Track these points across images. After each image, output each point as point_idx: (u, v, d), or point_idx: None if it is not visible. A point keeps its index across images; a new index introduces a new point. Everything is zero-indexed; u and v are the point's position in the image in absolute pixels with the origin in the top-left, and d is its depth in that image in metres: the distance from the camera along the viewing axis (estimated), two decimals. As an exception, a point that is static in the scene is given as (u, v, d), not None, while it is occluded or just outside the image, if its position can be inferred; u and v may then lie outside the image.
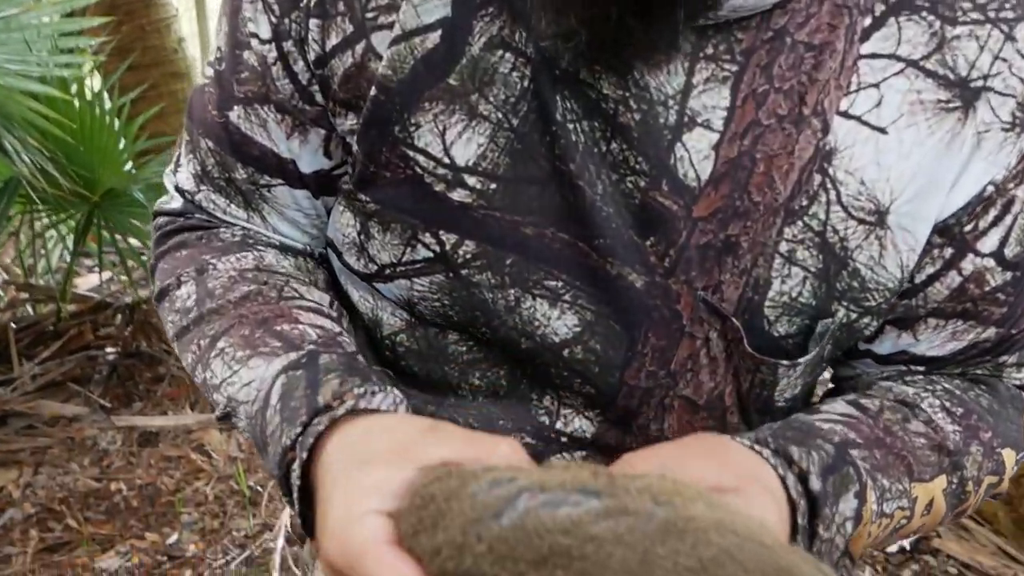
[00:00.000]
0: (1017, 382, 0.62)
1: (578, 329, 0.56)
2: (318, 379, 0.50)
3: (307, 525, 0.49)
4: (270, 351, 0.55)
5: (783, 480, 0.47)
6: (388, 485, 0.41)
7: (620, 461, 0.46)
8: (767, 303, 0.55)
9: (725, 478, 0.44)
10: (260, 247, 0.64)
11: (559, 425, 0.60)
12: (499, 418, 0.61)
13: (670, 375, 0.57)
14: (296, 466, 0.47)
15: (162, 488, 2.32)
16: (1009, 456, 0.60)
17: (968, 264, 0.56)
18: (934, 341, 0.60)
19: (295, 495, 0.48)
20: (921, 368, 0.62)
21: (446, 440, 0.44)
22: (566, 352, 0.57)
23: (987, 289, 0.56)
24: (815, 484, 0.48)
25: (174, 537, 2.16)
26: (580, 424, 0.60)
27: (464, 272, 0.56)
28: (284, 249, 0.66)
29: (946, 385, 0.60)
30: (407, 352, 0.62)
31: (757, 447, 0.49)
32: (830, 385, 0.68)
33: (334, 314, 0.62)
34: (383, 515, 0.40)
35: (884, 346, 0.61)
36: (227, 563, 2.07)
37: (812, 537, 0.48)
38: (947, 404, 0.59)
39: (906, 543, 2.14)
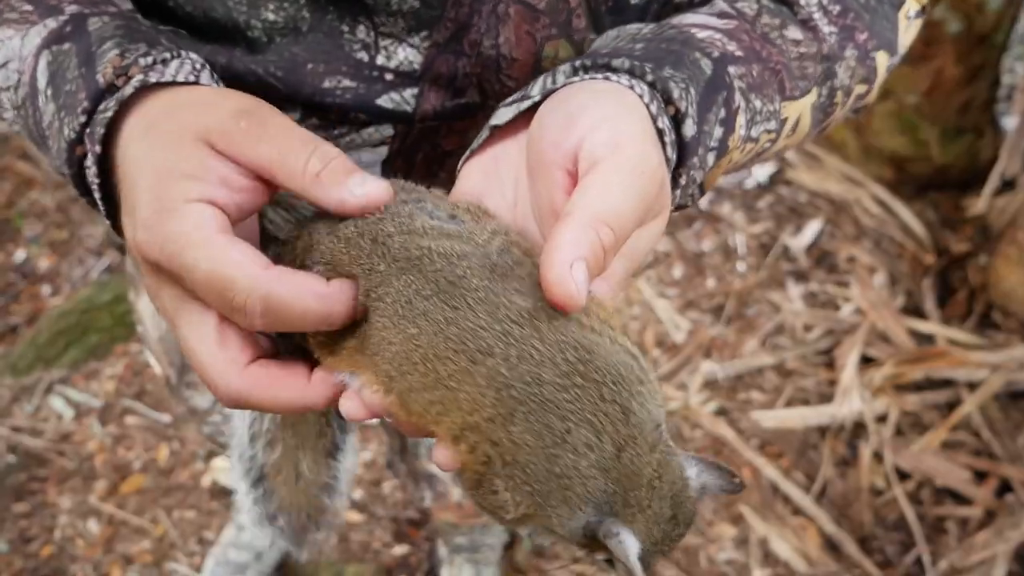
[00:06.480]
0: None
1: None
2: (92, 52, 0.40)
3: (117, 225, 0.42)
4: (20, 17, 0.43)
5: (660, 134, 0.43)
6: (207, 173, 0.36)
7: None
8: None
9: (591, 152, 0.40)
10: None
11: (381, 60, 0.52)
12: (307, 61, 0.51)
13: None
14: (90, 162, 0.40)
15: (-9, 205, 2.11)
16: (882, 59, 0.56)
17: None
18: None
19: (96, 195, 0.41)
20: None
21: (268, 135, 0.37)
22: None
23: None
24: (689, 130, 0.44)
25: (21, 255, 2.02)
26: (405, 54, 0.52)
27: None
28: None
29: None
30: None
31: (633, 81, 0.44)
32: None
33: None
34: (206, 204, 0.35)
35: None
36: (86, 274, 1.97)
37: (674, 185, 0.46)
38: (824, 1, 0.54)
39: (763, 177, 2.26)
